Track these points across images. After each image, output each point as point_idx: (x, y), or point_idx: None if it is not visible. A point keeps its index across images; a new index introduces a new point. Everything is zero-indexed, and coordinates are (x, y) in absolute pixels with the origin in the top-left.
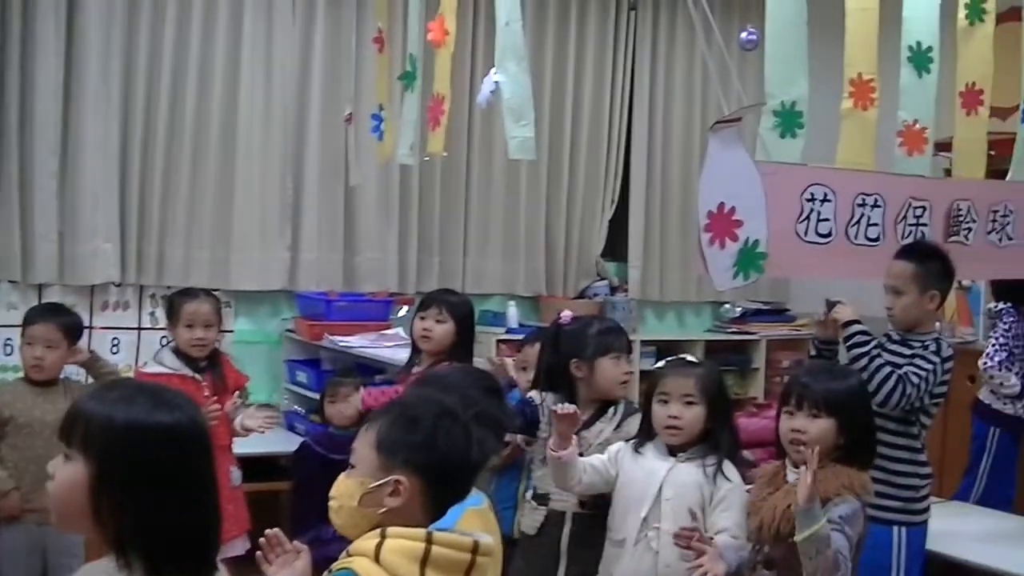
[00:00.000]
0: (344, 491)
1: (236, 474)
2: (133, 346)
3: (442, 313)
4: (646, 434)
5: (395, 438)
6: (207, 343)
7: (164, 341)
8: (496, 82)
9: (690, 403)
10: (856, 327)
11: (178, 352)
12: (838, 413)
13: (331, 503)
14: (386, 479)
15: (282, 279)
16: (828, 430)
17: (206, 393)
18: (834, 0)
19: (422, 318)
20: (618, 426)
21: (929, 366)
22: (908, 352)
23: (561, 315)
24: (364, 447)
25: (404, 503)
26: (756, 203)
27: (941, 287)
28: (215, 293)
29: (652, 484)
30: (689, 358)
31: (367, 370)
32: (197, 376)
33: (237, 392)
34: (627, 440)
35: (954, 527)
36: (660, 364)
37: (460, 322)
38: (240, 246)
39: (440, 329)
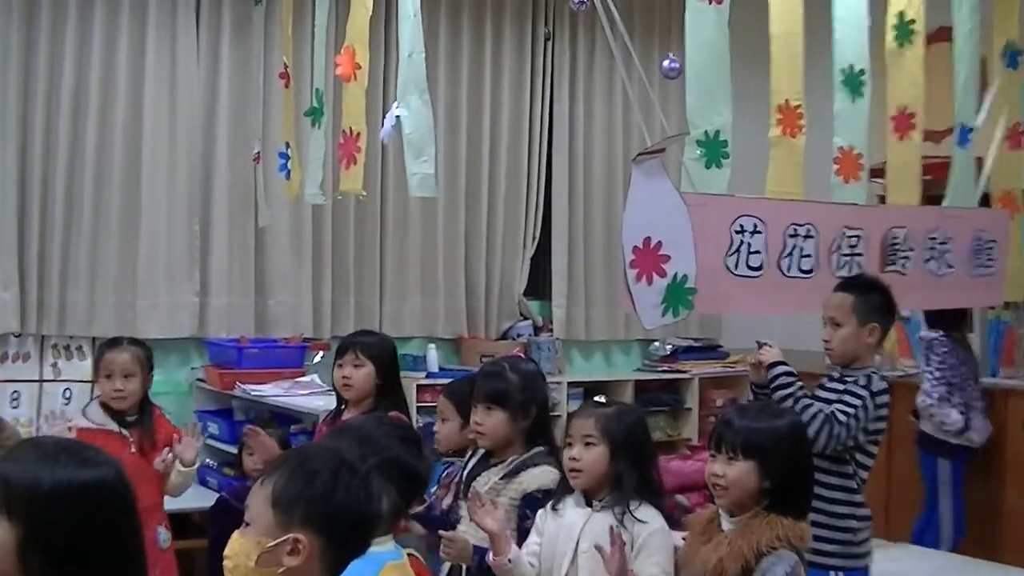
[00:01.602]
0: (239, 550)
1: (164, 535)
2: (34, 399)
3: (359, 357)
4: (565, 483)
5: (293, 494)
6: (127, 395)
7: (93, 393)
8: (397, 116)
9: (590, 444)
10: (780, 368)
11: (105, 405)
12: (759, 456)
13: (226, 563)
14: (284, 538)
15: (191, 325)
16: (747, 473)
17: (132, 449)
18: (757, 25)
19: (339, 365)
20: (508, 475)
21: (857, 402)
22: (840, 388)
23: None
24: (259, 504)
25: (303, 563)
26: (683, 236)
27: (881, 320)
28: (141, 342)
29: (570, 539)
30: (599, 399)
31: (284, 419)
32: (123, 431)
33: (168, 448)
34: (537, 493)
35: (899, 569)
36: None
37: (381, 364)
38: (146, 291)
39: (360, 375)
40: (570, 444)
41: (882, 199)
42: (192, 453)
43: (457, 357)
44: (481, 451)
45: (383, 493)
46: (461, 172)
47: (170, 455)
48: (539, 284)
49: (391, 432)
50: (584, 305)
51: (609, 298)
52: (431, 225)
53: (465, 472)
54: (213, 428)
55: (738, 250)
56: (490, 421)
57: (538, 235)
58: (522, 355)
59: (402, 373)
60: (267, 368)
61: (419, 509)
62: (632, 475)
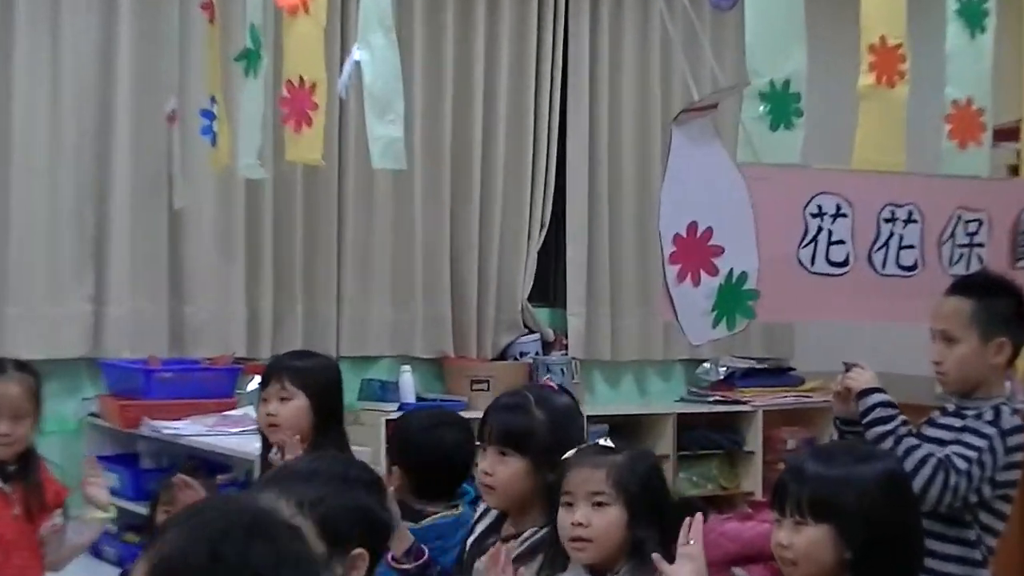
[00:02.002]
0: None
1: None
2: None
3: (286, 387)
4: (555, 554)
5: (177, 567)
6: (13, 440)
7: None
8: (357, 61)
9: (601, 504)
10: (875, 398)
11: None
12: (835, 518)
13: None
14: None
15: (82, 343)
16: (819, 542)
17: (15, 511)
18: None
19: (264, 400)
20: (524, 556)
21: (982, 443)
22: (958, 425)
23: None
24: None
25: None
26: (741, 221)
27: (1012, 334)
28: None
29: None
30: (604, 443)
31: (211, 467)
32: (3, 487)
33: (59, 510)
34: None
35: None
36: (569, 454)
37: (315, 395)
38: (20, 298)
39: (287, 411)
40: (569, 504)
41: (1014, 170)
42: (105, 494)
43: (440, 383)
44: (493, 513)
45: (334, 556)
46: (445, 137)
47: (60, 518)
48: (549, 286)
49: (348, 473)
50: (609, 314)
51: (642, 304)
52: (406, 210)
53: (471, 539)
54: (111, 479)
55: (815, 240)
56: (503, 471)
57: (548, 221)
58: (554, 386)
59: (368, 404)
60: (185, 398)
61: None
62: (655, 541)
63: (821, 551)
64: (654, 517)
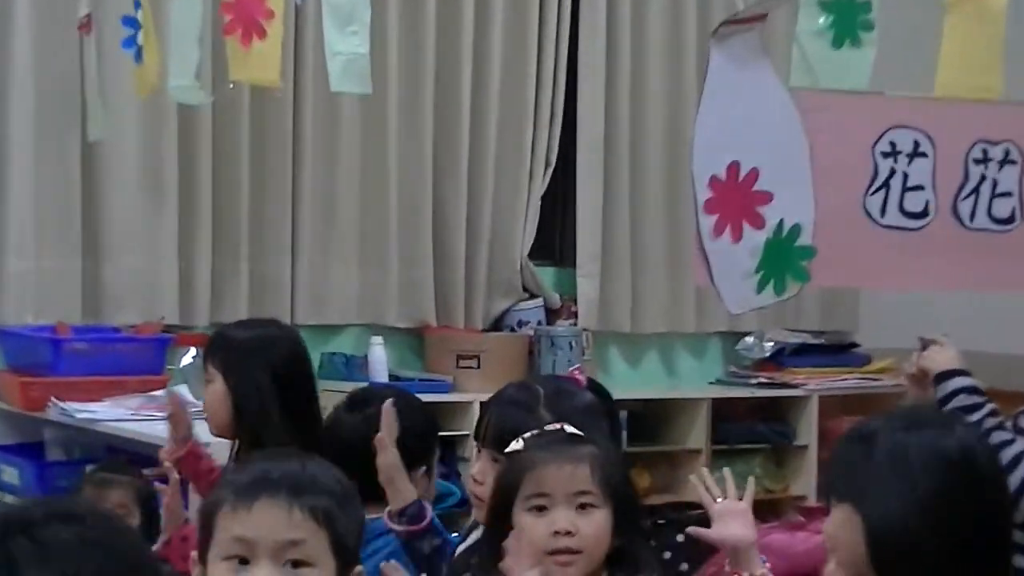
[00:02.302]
0: None
1: None
2: None
3: (208, 368)
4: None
5: None
6: None
7: None
8: None
9: (587, 507)
10: (958, 381)
11: None
12: (859, 498)
13: None
14: None
15: None
16: (844, 524)
17: None
18: None
19: (208, 382)
20: None
21: None
22: None
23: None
24: None
25: None
26: (794, 162)
27: None
28: None
29: None
30: (569, 429)
31: (135, 460)
32: None
33: None
34: None
35: None
36: (516, 444)
37: (233, 377)
38: None
39: (209, 395)
40: (542, 509)
41: None
42: None
43: (419, 359)
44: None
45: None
46: (427, 55)
47: None
48: (554, 240)
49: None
50: (629, 275)
51: (670, 264)
52: (377, 144)
53: (458, 550)
54: (10, 475)
55: (887, 185)
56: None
57: (554, 161)
58: (580, 379)
59: (327, 385)
60: (102, 375)
61: None
62: (646, 552)
63: (846, 535)
64: (636, 518)
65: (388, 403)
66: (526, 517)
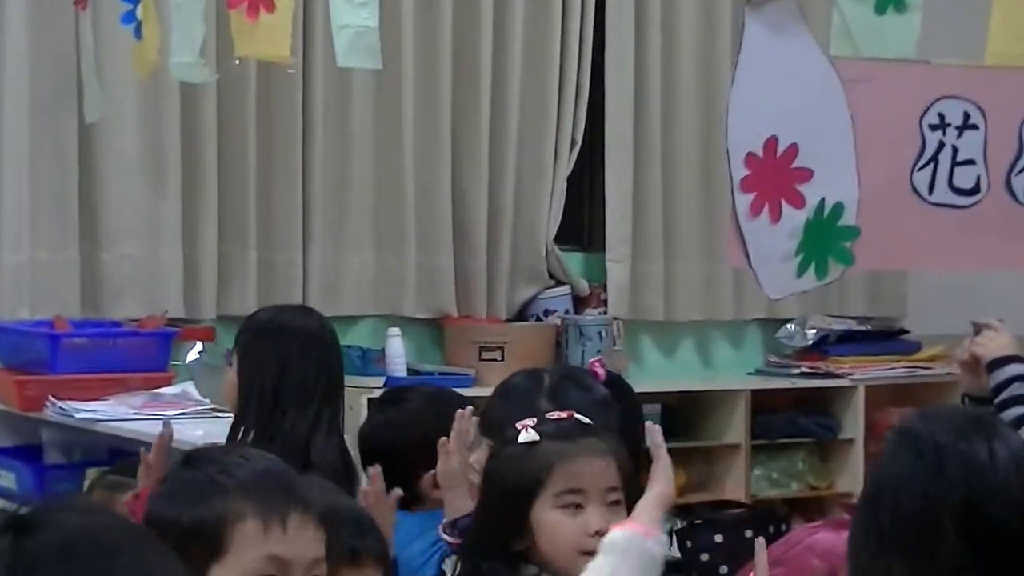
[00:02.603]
0: None
1: None
2: None
3: (233, 352)
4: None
5: None
6: None
7: None
8: None
9: (616, 504)
10: (1012, 369)
11: None
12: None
13: None
14: None
15: None
16: None
17: None
18: None
19: (228, 366)
20: None
21: None
22: None
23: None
24: None
25: None
26: (836, 136)
27: None
28: None
29: None
30: (580, 419)
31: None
32: None
33: None
34: None
35: None
36: (528, 434)
37: (241, 360)
38: None
39: (226, 377)
40: (577, 507)
41: None
42: None
43: (439, 351)
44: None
45: None
46: (444, 29)
47: None
48: (582, 224)
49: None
50: (662, 259)
51: (705, 247)
52: (393, 124)
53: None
54: (6, 479)
55: (935, 159)
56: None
57: (580, 139)
58: (599, 371)
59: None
60: (103, 372)
61: None
62: None
63: None
64: None
65: (467, 410)
66: (555, 514)
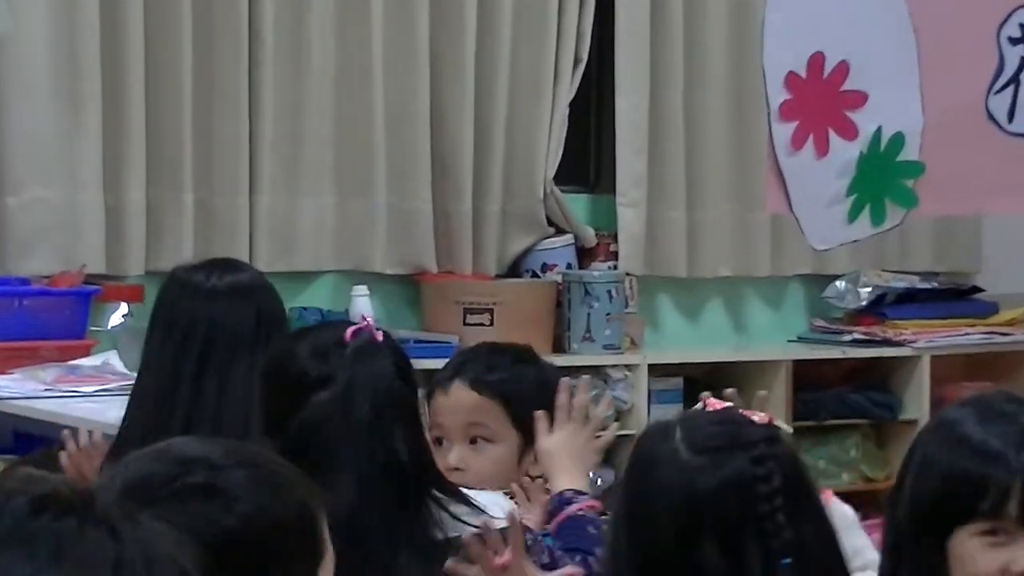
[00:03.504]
0: None
1: None
2: None
3: None
4: None
5: None
6: None
7: None
8: None
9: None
10: None
11: None
12: None
13: None
14: None
15: None
16: None
17: None
18: None
19: None
20: None
21: None
22: None
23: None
24: None
25: None
26: (895, 52)
27: None
28: None
29: None
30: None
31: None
32: None
33: None
34: None
35: None
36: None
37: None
38: None
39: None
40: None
41: None
42: None
43: (416, 313)
44: None
45: None
46: None
47: None
48: (588, 160)
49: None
50: (684, 203)
51: (736, 188)
52: (359, 38)
53: None
54: None
55: (1016, 80)
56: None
57: (585, 57)
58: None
59: None
60: (7, 339)
61: None
62: None
63: None
64: None
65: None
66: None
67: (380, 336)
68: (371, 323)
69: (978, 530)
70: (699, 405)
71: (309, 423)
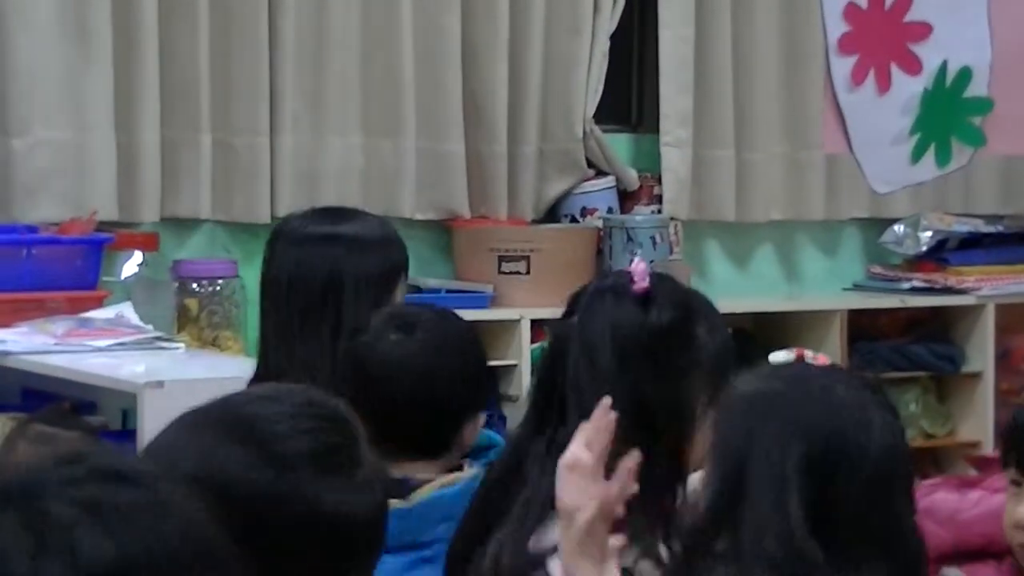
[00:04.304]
0: None
1: None
2: None
3: None
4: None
5: None
6: None
7: None
8: None
9: None
10: None
11: None
12: None
13: None
14: None
15: None
16: None
17: None
18: None
19: None
20: None
21: None
22: None
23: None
24: None
25: None
26: None
27: None
28: None
29: None
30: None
31: (80, 406)
32: None
33: None
34: None
35: None
36: (774, 358)
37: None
38: None
39: None
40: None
41: None
42: None
43: (448, 261)
44: None
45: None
46: None
47: None
48: (630, 98)
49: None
50: (733, 143)
51: (789, 126)
52: None
53: None
54: None
55: None
56: None
57: None
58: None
59: None
60: (15, 290)
61: None
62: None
63: None
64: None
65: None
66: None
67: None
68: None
69: None
70: (783, 356)
71: None
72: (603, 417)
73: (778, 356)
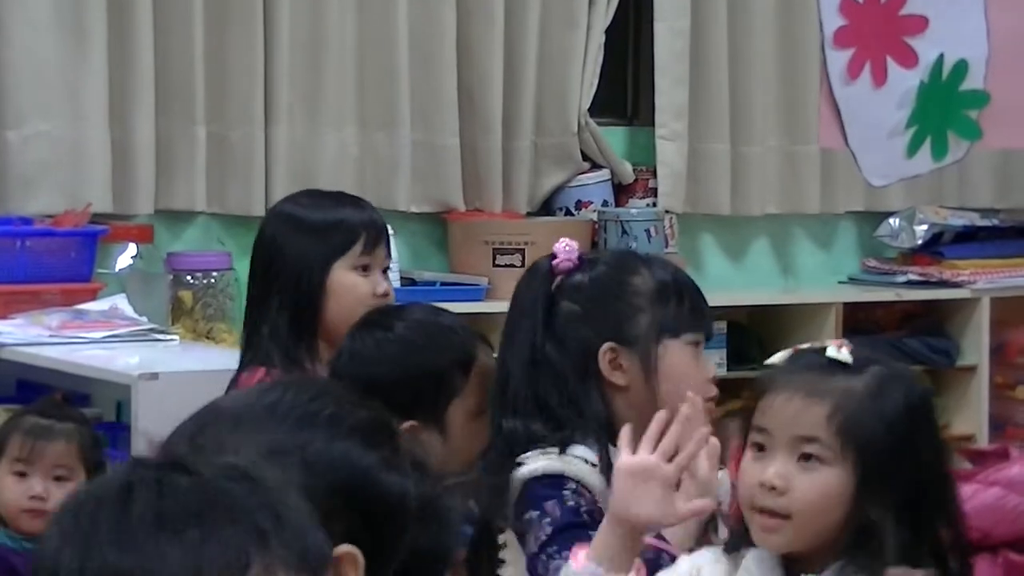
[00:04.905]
0: None
1: None
2: None
3: None
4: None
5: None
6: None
7: None
8: None
9: (810, 459)
10: None
11: None
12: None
13: None
14: None
15: None
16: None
17: None
18: None
19: None
20: None
21: None
22: None
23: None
24: None
25: None
26: None
27: None
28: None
29: None
30: (833, 351)
31: (74, 398)
32: None
33: None
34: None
35: None
36: (772, 360)
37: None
38: None
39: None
40: (760, 448)
41: None
42: None
43: (442, 254)
44: None
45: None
46: None
47: None
48: (625, 91)
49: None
50: (728, 136)
51: (784, 119)
52: None
53: None
54: None
55: None
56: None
57: None
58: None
59: None
60: (9, 282)
61: None
62: (900, 531)
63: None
64: (907, 492)
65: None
66: (746, 458)
67: None
68: None
69: None
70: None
71: None
72: (692, 412)
73: (778, 359)
